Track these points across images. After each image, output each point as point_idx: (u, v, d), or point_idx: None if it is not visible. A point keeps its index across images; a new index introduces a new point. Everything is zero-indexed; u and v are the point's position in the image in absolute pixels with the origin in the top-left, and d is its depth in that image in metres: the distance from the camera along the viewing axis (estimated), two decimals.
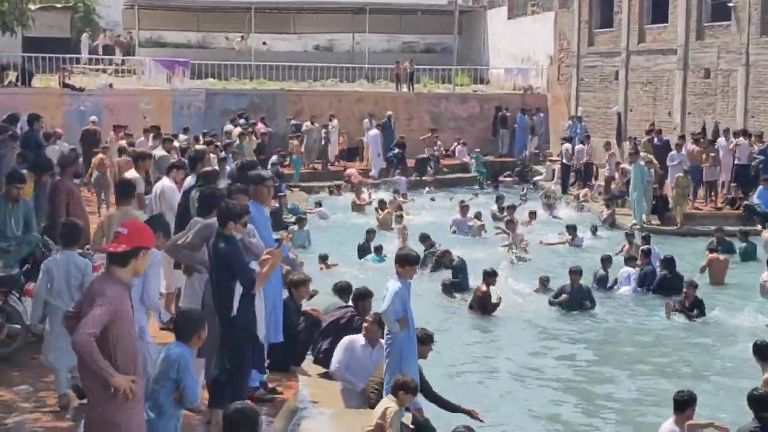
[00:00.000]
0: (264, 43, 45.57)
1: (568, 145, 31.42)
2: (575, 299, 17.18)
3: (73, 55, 37.92)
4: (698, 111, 29.86)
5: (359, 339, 10.81)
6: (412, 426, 9.64)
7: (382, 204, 26.00)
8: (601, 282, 18.94)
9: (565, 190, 30.86)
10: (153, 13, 45.57)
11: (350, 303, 11.99)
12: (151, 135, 23.77)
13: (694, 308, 16.75)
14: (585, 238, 23.39)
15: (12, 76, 33.34)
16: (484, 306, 16.76)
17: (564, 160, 31.43)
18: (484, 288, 16.79)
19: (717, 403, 12.17)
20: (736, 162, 26.33)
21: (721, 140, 26.85)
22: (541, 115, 37.20)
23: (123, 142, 23.67)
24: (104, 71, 37.99)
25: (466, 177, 34.24)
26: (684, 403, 9.36)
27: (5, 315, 10.05)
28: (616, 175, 28.51)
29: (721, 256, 19.90)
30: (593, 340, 16.01)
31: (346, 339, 10.88)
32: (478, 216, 24.65)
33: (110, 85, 34.44)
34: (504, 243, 22.04)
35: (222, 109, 34.38)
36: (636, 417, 12.33)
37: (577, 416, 12.38)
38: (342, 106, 36.27)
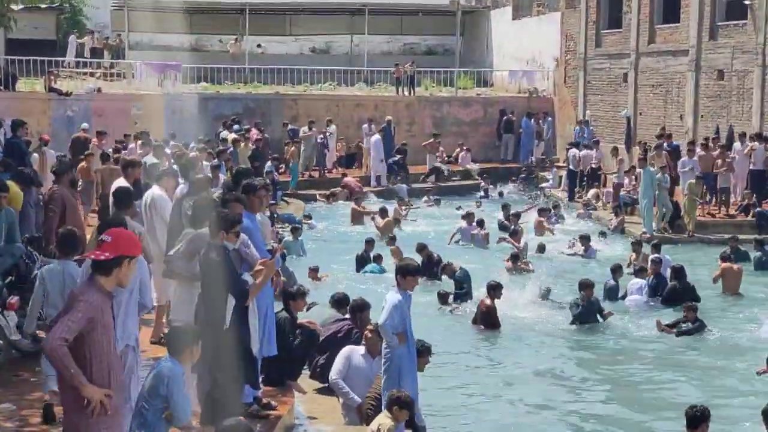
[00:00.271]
0: (259, 46, 45.64)
1: (575, 151, 31.46)
2: (588, 313, 17.11)
3: (59, 58, 38.01)
4: (711, 114, 29.87)
5: (359, 349, 10.86)
6: None
7: (383, 212, 26.02)
8: (612, 293, 18.95)
9: (572, 198, 30.89)
10: (143, 15, 45.63)
11: (348, 315, 12.01)
12: (140, 141, 23.77)
13: (693, 332, 16.48)
14: (594, 244, 23.40)
15: None
16: (488, 321, 16.65)
17: (571, 166, 31.47)
18: (488, 302, 16.69)
19: (731, 418, 12.16)
20: (751, 167, 26.35)
21: (737, 145, 26.86)
22: (549, 119, 37.26)
23: (110, 150, 23.63)
24: (92, 75, 38.05)
25: (469, 184, 34.29)
26: (697, 419, 9.34)
27: None
28: (625, 181, 28.54)
29: (735, 266, 19.88)
30: (602, 353, 16.01)
31: (346, 349, 10.92)
32: (481, 223, 24.66)
33: (98, 90, 34.49)
34: (507, 256, 21.83)
35: (216, 114, 34.46)
36: None
37: None
38: (340, 111, 36.37)
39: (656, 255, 19.89)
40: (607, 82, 35.39)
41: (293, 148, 32.00)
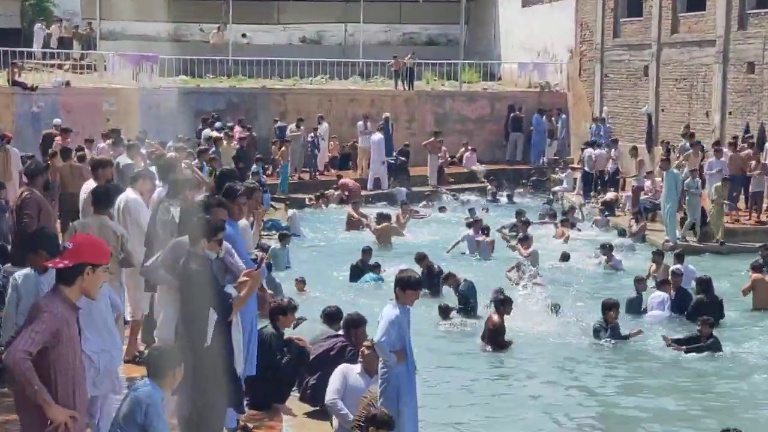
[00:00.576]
0: (243, 36, 45.70)
1: (590, 151, 31.50)
2: (612, 337, 16.92)
3: (24, 49, 38.01)
4: (740, 111, 29.91)
5: (355, 368, 10.84)
6: None
7: (380, 218, 26.01)
8: (633, 306, 18.96)
9: (587, 202, 30.90)
10: (116, 2, 45.66)
11: (341, 331, 12.01)
12: (111, 140, 23.76)
13: (707, 350, 16.40)
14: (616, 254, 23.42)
15: None
16: (496, 340, 16.55)
17: (586, 168, 31.50)
18: (496, 318, 16.63)
19: None
20: None
21: None
22: (563, 116, 37.31)
23: (79, 151, 23.59)
24: (60, 67, 38.06)
25: (475, 187, 34.32)
26: None
27: None
28: (646, 184, 28.57)
29: (767, 277, 19.91)
30: (621, 374, 15.96)
31: (342, 367, 10.90)
32: (486, 231, 24.66)
33: (67, 83, 34.51)
34: (511, 266, 21.76)
35: (196, 110, 34.45)
36: None
37: None
38: (333, 107, 36.41)
39: (677, 266, 19.91)
40: (626, 75, 35.45)
41: (283, 148, 31.98)
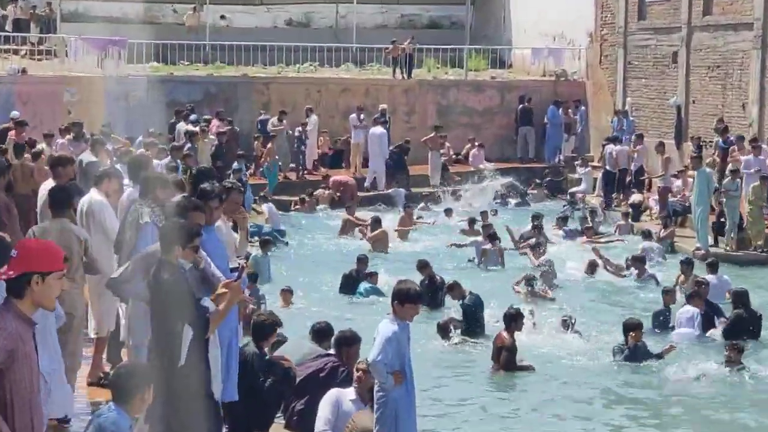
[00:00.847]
0: (222, 17, 45.68)
1: (612, 147, 31.52)
2: (634, 359, 16.87)
3: None
4: None
5: (348, 392, 10.84)
6: None
7: (375, 223, 26.05)
8: (661, 321, 18.94)
9: (609, 205, 30.95)
10: None
11: (332, 350, 12.00)
12: (71, 135, 23.74)
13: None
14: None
15: None
16: (507, 361, 16.40)
17: (608, 166, 31.53)
18: (505, 335, 16.56)
19: None
20: None
21: None
22: (582, 108, 37.32)
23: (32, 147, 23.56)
24: (15, 53, 38.05)
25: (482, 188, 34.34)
26: None
27: None
28: (675, 184, 28.58)
29: None
30: (643, 400, 15.95)
31: (333, 392, 10.90)
32: (493, 237, 24.66)
33: (23, 71, 34.51)
34: (519, 278, 21.75)
35: (169, 101, 34.40)
36: None
37: None
38: (323, 98, 36.42)
39: (705, 276, 19.91)
40: (652, 62, 35.47)
41: (270, 144, 31.96)
